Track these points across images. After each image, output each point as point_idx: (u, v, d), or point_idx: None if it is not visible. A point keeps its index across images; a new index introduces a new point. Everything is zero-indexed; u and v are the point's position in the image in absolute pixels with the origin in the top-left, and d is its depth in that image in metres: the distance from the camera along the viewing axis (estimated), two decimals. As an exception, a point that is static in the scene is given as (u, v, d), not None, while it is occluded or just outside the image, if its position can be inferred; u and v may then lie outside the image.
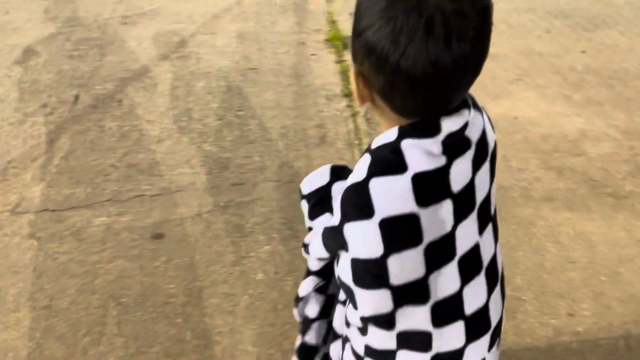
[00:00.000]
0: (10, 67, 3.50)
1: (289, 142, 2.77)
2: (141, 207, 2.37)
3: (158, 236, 2.22)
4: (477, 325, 0.89)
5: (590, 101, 3.10)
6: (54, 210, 2.35)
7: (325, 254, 0.90)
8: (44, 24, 4.11)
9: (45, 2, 4.49)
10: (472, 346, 0.90)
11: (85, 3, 4.45)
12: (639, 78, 3.33)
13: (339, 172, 1.04)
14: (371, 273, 0.79)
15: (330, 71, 3.43)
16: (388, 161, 0.75)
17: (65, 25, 4.08)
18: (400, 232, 0.75)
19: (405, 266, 0.78)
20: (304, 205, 1.03)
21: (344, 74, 3.38)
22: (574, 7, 4.28)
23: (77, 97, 3.17)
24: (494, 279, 0.91)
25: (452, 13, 0.65)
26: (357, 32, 0.70)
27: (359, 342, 0.95)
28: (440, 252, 0.80)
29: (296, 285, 1.98)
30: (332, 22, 4.09)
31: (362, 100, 0.77)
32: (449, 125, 0.74)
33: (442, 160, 0.75)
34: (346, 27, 3.97)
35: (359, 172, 0.77)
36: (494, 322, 0.92)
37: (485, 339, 0.91)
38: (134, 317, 1.90)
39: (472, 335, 0.89)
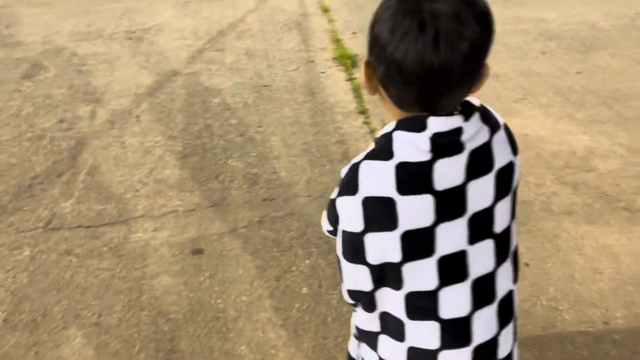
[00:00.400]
0: (20, 82, 3.46)
1: (313, 158, 2.83)
2: (176, 222, 2.38)
3: (198, 251, 2.24)
4: (454, 333, 0.90)
5: (593, 120, 3.26)
6: (88, 227, 2.34)
7: (329, 227, 1.00)
8: (47, 38, 4.08)
9: (45, 16, 4.45)
10: (447, 354, 0.91)
11: (87, 18, 4.44)
12: (634, 98, 3.52)
13: None
14: (353, 246, 0.87)
15: (342, 89, 3.51)
16: (380, 148, 0.84)
17: (70, 40, 4.05)
18: (377, 213, 0.83)
19: (379, 246, 0.85)
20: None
21: (356, 91, 3.47)
22: (565, 29, 4.49)
23: (93, 113, 3.16)
24: (486, 296, 0.91)
25: (447, 18, 0.73)
26: (371, 24, 0.80)
27: (354, 325, 1.04)
28: (417, 244, 0.85)
29: (342, 299, 2.03)
30: (337, 41, 4.18)
31: (370, 89, 0.86)
32: (435, 124, 0.81)
33: (426, 156, 0.81)
34: (351, 45, 4.07)
35: (360, 155, 0.86)
36: (477, 339, 0.92)
37: (465, 352, 0.92)
38: (186, 333, 1.91)
39: (446, 342, 0.90)
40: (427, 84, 0.77)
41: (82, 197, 2.51)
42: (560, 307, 2.05)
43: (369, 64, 0.82)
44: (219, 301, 2.03)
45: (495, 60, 3.91)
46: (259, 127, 3.09)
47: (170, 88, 3.44)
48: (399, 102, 0.82)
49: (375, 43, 0.79)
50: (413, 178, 0.82)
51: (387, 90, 0.82)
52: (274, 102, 3.34)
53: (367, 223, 0.83)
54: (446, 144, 0.82)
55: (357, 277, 0.90)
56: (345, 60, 3.83)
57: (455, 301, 0.89)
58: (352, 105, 3.31)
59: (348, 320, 1.97)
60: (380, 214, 0.82)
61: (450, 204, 0.84)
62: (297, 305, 2.02)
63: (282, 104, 3.31)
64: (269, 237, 2.32)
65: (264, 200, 2.53)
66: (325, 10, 4.79)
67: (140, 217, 2.41)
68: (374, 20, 0.79)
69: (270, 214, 2.44)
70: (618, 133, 3.15)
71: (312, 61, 3.87)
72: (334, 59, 3.90)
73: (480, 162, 0.85)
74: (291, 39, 4.21)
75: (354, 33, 4.27)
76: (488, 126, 0.87)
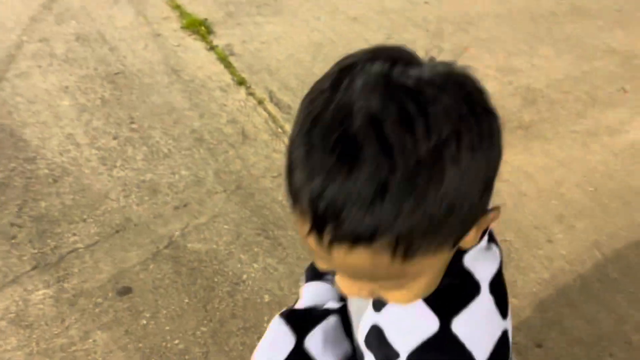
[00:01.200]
0: None
1: (210, 146, 2.52)
2: (82, 263, 1.96)
3: (125, 291, 1.88)
4: None
5: (457, 47, 3.38)
6: (-32, 301, 1.83)
7: None
8: None
9: None
10: None
11: None
12: (483, 19, 3.72)
13: (305, 321, 0.79)
14: None
15: (207, 60, 3.17)
16: (456, 288, 0.60)
17: None
18: None
19: None
20: None
21: (224, 60, 3.15)
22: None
23: None
24: None
25: None
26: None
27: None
28: None
29: (310, 294, 1.86)
30: (177, 7, 3.74)
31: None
32: None
33: (497, 252, 0.64)
34: (195, 9, 3.68)
35: (420, 325, 0.59)
36: None
37: None
38: (155, 392, 1.61)
39: None
40: None
41: (-59, 265, 1.94)
42: (508, 238, 2.12)
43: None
44: (176, 342, 1.73)
45: (354, 3, 3.84)
46: (132, 123, 2.66)
47: (1, 98, 2.79)
48: None
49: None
50: (504, 288, 0.64)
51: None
52: (136, 90, 2.89)
53: None
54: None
55: None
56: (197, 28, 3.45)
57: None
58: (227, 77, 3.01)
59: (325, 316, 1.81)
60: None
61: None
62: (266, 318, 1.81)
63: (147, 91, 2.89)
64: (201, 251, 2.02)
65: (176, 208, 2.20)
66: (148, -27, 4.24)
67: (33, 269, 1.94)
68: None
69: (191, 222, 2.13)
70: (483, 56, 3.31)
71: (158, 35, 3.42)
72: (182, 28, 3.49)
73: None
74: (124, 14, 3.66)
75: (193, -5, 3.85)
76: None
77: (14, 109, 2.72)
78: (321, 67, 3.02)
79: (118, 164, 2.42)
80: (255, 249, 2.03)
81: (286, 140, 2.55)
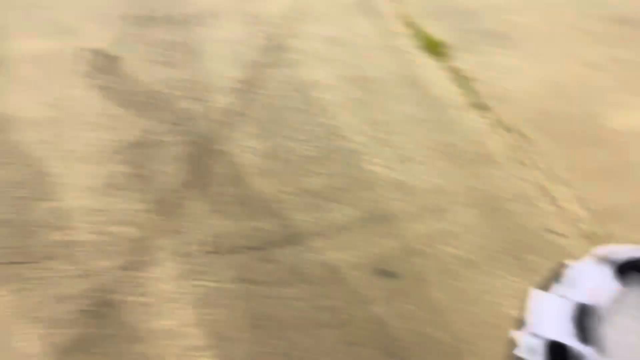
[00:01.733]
0: (96, 76, 3.12)
1: (456, 161, 2.67)
2: (353, 239, 2.19)
3: (388, 274, 2.07)
4: None
5: None
6: (255, 248, 2.13)
7: None
8: (108, 24, 3.70)
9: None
10: None
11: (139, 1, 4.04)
12: None
13: None
14: None
15: (442, 79, 3.34)
16: None
17: (134, 24, 3.68)
18: None
19: None
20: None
21: (459, 82, 3.30)
22: None
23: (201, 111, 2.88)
24: None
25: None
26: None
27: None
28: None
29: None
30: (411, 24, 3.98)
31: None
32: None
33: None
34: (431, 31, 3.87)
35: None
36: None
37: None
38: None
39: None
40: None
41: (228, 213, 2.28)
42: None
43: None
44: (434, 329, 1.88)
45: (586, 50, 3.83)
46: (382, 125, 2.89)
47: (267, 81, 3.18)
48: None
49: None
50: None
51: None
52: (384, 97, 3.14)
53: None
54: None
55: None
56: (435, 48, 3.65)
57: None
58: (461, 98, 3.16)
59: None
60: None
61: None
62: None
63: (395, 100, 3.12)
64: (453, 255, 2.17)
65: (436, 212, 2.35)
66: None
67: (309, 234, 2.21)
68: None
69: (442, 227, 2.29)
70: None
71: (397, 49, 3.67)
72: (419, 46, 3.70)
73: None
74: (362, 24, 3.97)
75: (429, 16, 4.07)
76: None
77: (279, 94, 3.09)
78: (557, 105, 3.07)
79: (375, 159, 2.64)
80: (512, 266, 2.13)
81: (534, 171, 2.60)
